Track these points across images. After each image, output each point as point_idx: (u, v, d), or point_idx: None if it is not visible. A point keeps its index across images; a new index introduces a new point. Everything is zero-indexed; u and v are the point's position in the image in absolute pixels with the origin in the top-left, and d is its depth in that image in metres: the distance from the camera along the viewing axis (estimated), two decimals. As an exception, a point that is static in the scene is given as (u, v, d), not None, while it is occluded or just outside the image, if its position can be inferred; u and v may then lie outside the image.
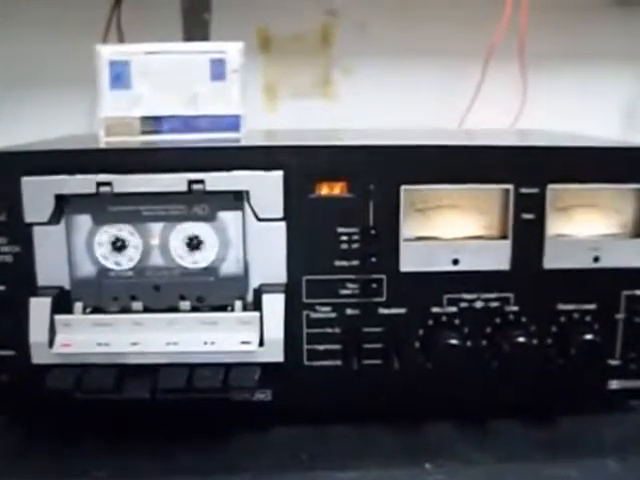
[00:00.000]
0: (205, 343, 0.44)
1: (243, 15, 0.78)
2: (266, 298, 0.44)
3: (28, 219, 0.44)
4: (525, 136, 0.68)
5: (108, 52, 0.54)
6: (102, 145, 0.53)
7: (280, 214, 0.44)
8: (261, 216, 0.44)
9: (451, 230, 0.46)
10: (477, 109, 0.77)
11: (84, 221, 0.45)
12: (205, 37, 0.78)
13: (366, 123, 0.78)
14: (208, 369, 0.44)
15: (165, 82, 0.55)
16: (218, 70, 0.55)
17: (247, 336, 0.44)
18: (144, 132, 0.54)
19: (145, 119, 0.54)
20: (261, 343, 0.44)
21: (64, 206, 0.45)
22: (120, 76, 0.54)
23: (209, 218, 0.45)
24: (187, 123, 0.55)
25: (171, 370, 0.44)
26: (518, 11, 0.72)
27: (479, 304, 0.46)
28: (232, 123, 0.55)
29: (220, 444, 0.46)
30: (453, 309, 0.46)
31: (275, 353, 0.44)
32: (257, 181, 0.43)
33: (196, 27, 0.78)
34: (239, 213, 0.45)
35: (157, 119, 0.54)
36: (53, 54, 0.78)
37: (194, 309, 0.45)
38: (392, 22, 0.78)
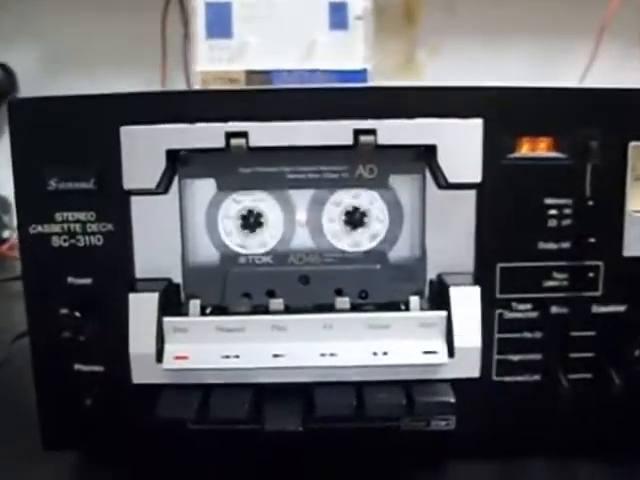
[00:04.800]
0: (375, 354, 0.32)
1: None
2: (455, 292, 0.33)
3: (128, 185, 0.32)
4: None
5: (204, -11, 0.43)
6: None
7: (478, 178, 0.33)
8: (452, 180, 0.33)
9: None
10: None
11: (205, 187, 0.34)
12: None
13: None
14: (381, 389, 0.32)
15: (274, 30, 0.43)
16: (339, 16, 0.44)
17: (430, 344, 0.32)
18: (249, 89, 0.43)
19: (250, 74, 0.43)
20: (450, 353, 0.32)
21: (178, 166, 0.33)
22: (219, 22, 0.43)
23: (378, 184, 0.34)
24: (302, 78, 0.43)
25: (330, 391, 0.32)
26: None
27: None
28: (357, 79, 0.44)
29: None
30: (685, 307, 0.35)
31: (470, 366, 0.33)
32: (450, 133, 0.32)
33: None
34: (417, 177, 0.33)
35: (266, 74, 0.43)
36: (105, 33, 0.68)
37: (354, 308, 0.34)
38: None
